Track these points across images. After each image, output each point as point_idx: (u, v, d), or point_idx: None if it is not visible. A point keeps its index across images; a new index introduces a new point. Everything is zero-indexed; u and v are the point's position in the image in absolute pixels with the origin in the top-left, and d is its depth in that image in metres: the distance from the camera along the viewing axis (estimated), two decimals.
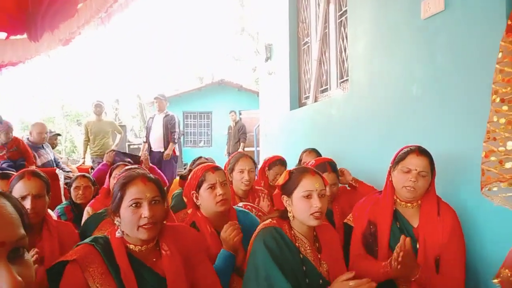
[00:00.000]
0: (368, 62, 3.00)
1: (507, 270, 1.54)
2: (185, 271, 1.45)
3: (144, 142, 6.31)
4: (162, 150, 5.84)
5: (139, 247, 1.41)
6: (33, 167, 4.05)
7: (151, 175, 1.48)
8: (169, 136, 5.86)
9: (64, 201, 3.39)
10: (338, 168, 2.58)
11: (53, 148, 5.27)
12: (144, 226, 1.36)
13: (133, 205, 1.37)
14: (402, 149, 1.86)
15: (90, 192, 3.06)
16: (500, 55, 1.59)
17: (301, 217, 1.57)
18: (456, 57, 2.04)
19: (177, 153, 6.15)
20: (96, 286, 1.31)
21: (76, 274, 1.32)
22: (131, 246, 1.41)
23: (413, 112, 2.42)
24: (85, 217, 2.60)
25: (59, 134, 5.57)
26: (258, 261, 1.50)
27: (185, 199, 1.96)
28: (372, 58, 2.94)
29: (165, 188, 1.53)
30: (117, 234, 1.42)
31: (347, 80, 3.56)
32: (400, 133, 2.55)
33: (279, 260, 1.49)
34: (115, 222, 1.43)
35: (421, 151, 1.79)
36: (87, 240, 1.45)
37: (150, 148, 6.01)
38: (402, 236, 1.56)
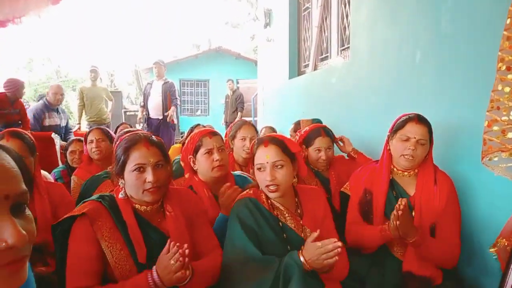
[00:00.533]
0: (371, 28, 2.92)
1: (504, 240, 1.56)
2: (188, 231, 1.48)
3: (141, 106, 6.15)
4: (161, 117, 5.74)
5: (144, 207, 1.44)
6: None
7: (153, 137, 1.47)
8: (169, 101, 5.74)
9: (60, 165, 3.37)
10: (339, 136, 2.57)
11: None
12: (148, 190, 1.38)
13: (137, 169, 1.37)
14: (400, 117, 1.84)
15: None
16: (508, 21, 1.53)
17: (262, 188, 1.57)
18: (462, 23, 1.98)
19: (175, 121, 6.04)
20: (104, 239, 1.35)
21: (85, 228, 1.34)
22: (137, 206, 1.44)
23: (415, 80, 2.37)
24: (72, 185, 2.58)
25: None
26: (232, 233, 1.51)
27: (182, 164, 1.94)
28: (375, 24, 2.85)
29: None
30: (120, 196, 1.43)
31: (348, 47, 3.48)
32: (400, 102, 2.51)
33: (253, 231, 1.49)
34: (119, 183, 1.44)
35: (420, 119, 1.77)
36: (94, 197, 1.46)
37: (148, 115, 5.89)
38: (400, 199, 1.56)
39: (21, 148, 1.84)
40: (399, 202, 1.53)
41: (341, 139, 2.58)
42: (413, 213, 1.75)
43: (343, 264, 1.53)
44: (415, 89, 2.37)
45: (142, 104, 6.08)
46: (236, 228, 1.49)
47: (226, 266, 1.49)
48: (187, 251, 1.26)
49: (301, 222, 1.59)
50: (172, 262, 1.23)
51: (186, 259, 1.26)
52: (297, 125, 3.10)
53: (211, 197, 1.84)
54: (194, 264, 1.39)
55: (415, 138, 1.73)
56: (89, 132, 2.79)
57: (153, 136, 1.48)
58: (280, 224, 1.55)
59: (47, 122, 4.55)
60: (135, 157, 1.37)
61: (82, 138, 3.18)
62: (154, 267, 1.29)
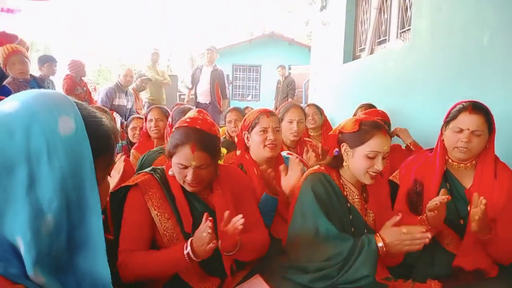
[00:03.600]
0: (434, 8, 2.75)
1: None
2: (233, 207, 1.52)
3: (189, 89, 6.29)
4: (208, 101, 5.90)
5: None
6: None
7: (204, 141, 1.42)
8: (219, 91, 5.87)
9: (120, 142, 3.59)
10: (395, 128, 2.48)
11: (140, 90, 5.71)
12: (189, 184, 1.43)
13: (180, 166, 1.41)
14: (455, 106, 1.70)
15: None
16: None
17: (357, 172, 1.52)
18: None
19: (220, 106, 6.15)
20: (154, 208, 1.44)
21: (138, 197, 1.45)
22: None
23: (481, 65, 2.21)
24: (132, 159, 2.72)
25: (150, 80, 5.79)
26: (305, 206, 1.51)
27: (236, 139, 2.00)
28: (439, 3, 2.68)
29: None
30: (170, 173, 1.51)
31: (408, 29, 3.31)
32: (464, 89, 2.36)
33: (326, 206, 1.49)
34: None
35: (475, 108, 1.61)
36: (147, 169, 1.56)
37: (196, 98, 6.05)
38: (443, 190, 1.49)
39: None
40: (441, 194, 1.46)
41: (398, 132, 2.49)
42: (469, 208, 1.64)
43: None
44: (482, 74, 2.21)
45: (190, 86, 6.18)
46: (309, 200, 1.49)
47: (293, 237, 1.51)
48: (241, 221, 1.29)
49: (365, 206, 1.58)
50: (204, 234, 1.26)
51: (241, 226, 1.29)
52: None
53: (261, 176, 1.86)
54: (241, 236, 1.42)
55: (468, 129, 1.60)
56: (149, 111, 2.92)
57: (204, 139, 1.43)
58: (348, 205, 1.55)
59: (116, 102, 4.91)
60: (179, 157, 1.41)
61: (142, 116, 3.37)
62: (190, 239, 1.33)
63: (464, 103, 1.66)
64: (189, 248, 1.31)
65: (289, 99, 8.64)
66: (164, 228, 1.43)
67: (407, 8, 3.43)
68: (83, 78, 5.11)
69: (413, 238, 1.31)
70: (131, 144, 3.21)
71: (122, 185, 1.50)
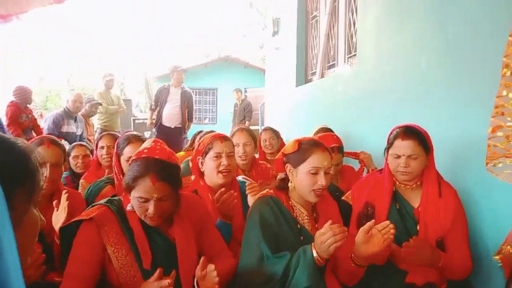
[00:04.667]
0: (377, 35, 2.93)
1: (508, 247, 1.54)
2: (194, 238, 1.49)
3: (151, 109, 5.73)
4: (174, 125, 5.52)
5: None
6: None
7: (165, 171, 1.38)
8: (187, 113, 5.56)
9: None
10: (363, 153, 2.59)
11: (90, 116, 5.44)
12: (149, 218, 1.37)
13: (140, 201, 1.36)
14: (392, 132, 1.81)
15: (89, 160, 2.99)
16: None
17: (302, 191, 1.56)
18: (467, 29, 1.98)
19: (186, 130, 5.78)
20: (110, 244, 1.36)
21: (91, 232, 1.36)
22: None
23: (421, 87, 2.37)
24: (80, 190, 2.56)
25: (100, 104, 5.53)
26: (251, 232, 1.52)
27: (190, 164, 1.97)
28: (382, 32, 2.87)
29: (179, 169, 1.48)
30: (128, 208, 1.43)
31: (355, 55, 3.49)
32: (406, 110, 2.52)
33: (273, 231, 1.50)
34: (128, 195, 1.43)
35: (406, 134, 1.71)
36: (103, 201, 1.48)
37: (161, 121, 5.55)
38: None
39: (59, 155, 1.88)
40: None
41: (362, 157, 2.57)
42: (418, 227, 1.73)
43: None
44: (422, 96, 2.37)
45: (153, 107, 5.69)
46: (254, 226, 1.51)
47: (242, 264, 1.50)
48: (215, 272, 1.27)
49: (316, 226, 1.61)
50: None
51: (217, 279, 1.26)
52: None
53: (216, 201, 1.84)
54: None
55: (404, 155, 1.70)
56: (100, 138, 2.80)
57: (164, 170, 1.38)
58: (298, 226, 1.57)
59: (64, 129, 4.68)
60: (139, 190, 1.35)
61: (84, 143, 3.19)
62: None
63: (398, 129, 1.76)
64: None
65: (247, 122, 8.74)
66: (121, 265, 1.35)
67: (352, 35, 3.63)
68: (28, 105, 4.87)
69: (332, 234, 1.32)
70: (74, 174, 2.97)
71: (74, 219, 1.40)
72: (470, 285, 1.79)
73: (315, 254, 1.38)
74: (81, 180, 2.69)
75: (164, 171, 1.37)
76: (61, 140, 3.92)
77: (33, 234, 0.68)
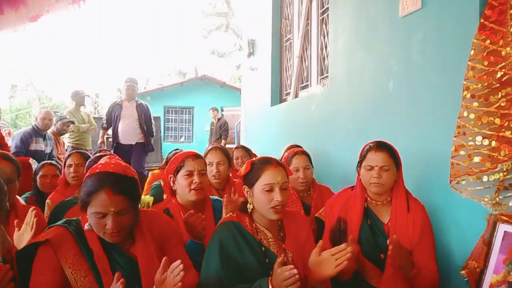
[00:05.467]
0: (347, 58, 3.04)
1: (474, 262, 1.60)
2: (158, 256, 1.44)
3: (103, 129, 5.26)
4: (133, 142, 5.06)
5: None
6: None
7: (121, 184, 1.35)
8: (146, 128, 5.10)
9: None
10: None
11: (61, 134, 5.29)
12: (109, 234, 1.34)
13: (96, 216, 1.32)
14: (364, 147, 1.90)
15: (58, 180, 2.90)
16: (472, 52, 1.64)
17: (261, 210, 1.55)
18: (431, 54, 2.09)
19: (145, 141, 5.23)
20: (68, 266, 1.30)
21: (49, 255, 1.31)
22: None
23: (388, 107, 2.46)
24: (46, 210, 2.49)
25: (72, 122, 5.34)
26: (210, 258, 1.50)
27: (162, 183, 1.95)
28: (351, 54, 2.98)
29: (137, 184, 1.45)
30: (86, 227, 1.39)
31: (327, 76, 3.60)
32: (375, 128, 2.59)
33: (234, 257, 1.48)
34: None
35: (379, 147, 1.82)
36: (60, 222, 1.42)
37: (118, 140, 5.08)
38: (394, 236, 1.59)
39: (12, 171, 1.82)
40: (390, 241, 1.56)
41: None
42: (388, 241, 1.77)
43: None
44: (389, 115, 2.45)
45: (105, 125, 5.22)
46: (214, 254, 1.48)
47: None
48: (181, 266, 1.24)
49: (283, 246, 1.58)
50: None
51: (182, 273, 1.22)
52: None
53: (186, 220, 1.82)
54: None
55: (377, 165, 1.78)
56: (68, 156, 2.74)
57: (121, 181, 1.37)
58: (263, 248, 1.55)
59: (33, 147, 4.52)
60: (95, 205, 1.31)
61: (54, 162, 3.09)
62: None
63: (370, 144, 1.85)
64: None
65: (223, 141, 8.73)
66: (80, 287, 1.29)
67: (324, 57, 3.75)
68: None
69: (285, 277, 1.30)
70: (40, 194, 2.86)
71: (30, 242, 1.36)
72: None
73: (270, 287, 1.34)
74: (48, 200, 2.60)
75: (120, 184, 1.34)
76: (28, 159, 3.81)
77: None
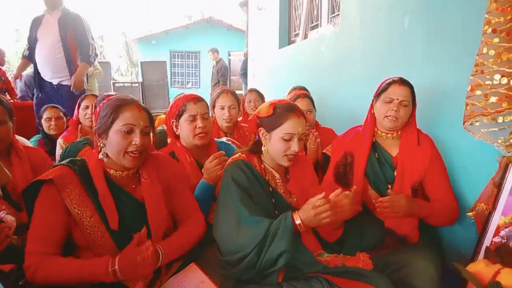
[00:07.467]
0: None
1: (482, 204, 1.58)
2: (164, 199, 1.46)
3: (24, 57, 3.60)
4: (55, 82, 3.41)
5: (120, 172, 1.40)
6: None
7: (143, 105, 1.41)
8: (79, 50, 3.38)
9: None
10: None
11: None
12: (131, 153, 1.34)
13: (125, 130, 1.32)
14: (384, 81, 1.85)
15: (62, 122, 2.98)
16: None
17: (275, 155, 1.54)
18: None
19: (85, 86, 3.53)
20: (73, 206, 1.31)
21: (52, 194, 1.30)
22: (112, 171, 1.39)
23: (404, 45, 2.34)
24: (58, 150, 2.55)
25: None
26: (226, 195, 1.49)
27: (165, 127, 1.92)
28: None
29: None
30: (100, 156, 1.38)
31: (338, 15, 3.40)
32: (389, 68, 2.48)
33: (248, 192, 1.47)
34: (98, 143, 1.38)
35: (403, 81, 1.80)
36: (64, 161, 1.41)
37: (38, 73, 3.46)
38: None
39: (2, 113, 1.80)
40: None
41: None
42: (395, 173, 1.79)
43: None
44: (404, 55, 2.34)
45: (25, 52, 3.57)
46: (230, 189, 1.48)
47: (218, 226, 1.48)
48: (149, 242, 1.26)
49: (287, 187, 1.59)
50: (138, 259, 1.20)
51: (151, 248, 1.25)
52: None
53: (193, 163, 1.82)
54: (167, 243, 1.38)
55: (398, 99, 1.76)
56: (84, 98, 2.75)
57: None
58: (270, 189, 1.55)
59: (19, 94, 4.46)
60: (126, 117, 1.33)
61: (55, 105, 3.09)
62: (117, 257, 1.24)
63: (393, 78, 1.82)
64: (116, 267, 1.21)
65: (220, 85, 8.45)
66: (88, 226, 1.30)
67: None
68: (1, 67, 4.66)
69: (326, 209, 1.32)
70: (47, 136, 2.93)
71: (34, 179, 1.34)
72: (440, 240, 1.86)
73: (298, 221, 1.36)
74: (60, 139, 2.66)
75: (143, 105, 1.42)
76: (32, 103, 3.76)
77: None
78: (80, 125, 2.72)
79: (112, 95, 2.05)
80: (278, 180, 1.59)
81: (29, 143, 2.66)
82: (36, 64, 3.43)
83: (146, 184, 1.42)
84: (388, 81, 1.83)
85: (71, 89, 3.35)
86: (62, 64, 3.36)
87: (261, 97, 3.24)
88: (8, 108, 1.82)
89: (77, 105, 2.76)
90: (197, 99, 1.84)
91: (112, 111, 1.33)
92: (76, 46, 3.36)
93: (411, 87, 1.80)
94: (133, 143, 1.33)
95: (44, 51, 3.34)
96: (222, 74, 8.60)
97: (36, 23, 3.41)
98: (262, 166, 1.59)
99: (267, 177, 1.57)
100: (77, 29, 3.36)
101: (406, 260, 1.56)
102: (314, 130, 2.41)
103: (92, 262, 1.26)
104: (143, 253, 1.22)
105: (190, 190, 1.66)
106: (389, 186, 1.78)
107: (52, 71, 3.38)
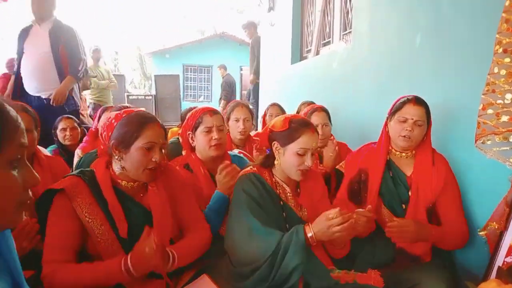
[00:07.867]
0: (372, 12, 2.89)
1: (494, 223, 1.58)
2: (170, 206, 1.50)
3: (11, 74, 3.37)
4: (45, 95, 3.18)
5: (132, 183, 1.44)
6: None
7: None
8: (68, 61, 3.16)
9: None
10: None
11: (83, 89, 5.23)
12: (150, 169, 1.39)
13: (147, 147, 1.37)
14: (399, 99, 1.85)
15: (77, 133, 3.04)
16: (507, 3, 1.52)
17: (288, 169, 1.56)
18: (461, 6, 1.95)
19: (77, 103, 3.37)
20: (84, 215, 1.35)
21: (64, 203, 1.35)
22: (123, 183, 1.44)
23: (414, 63, 2.36)
24: (76, 160, 2.61)
25: (93, 76, 5.32)
26: (237, 207, 1.51)
27: (180, 139, 1.97)
28: (376, 8, 2.83)
29: None
30: (116, 169, 1.42)
31: (350, 32, 3.45)
32: (399, 86, 2.50)
33: (259, 205, 1.49)
34: (114, 155, 1.41)
35: (418, 101, 1.78)
36: (74, 172, 1.46)
37: (20, 85, 3.19)
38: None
39: (29, 122, 1.86)
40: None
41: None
42: (410, 193, 1.77)
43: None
44: (415, 72, 2.36)
45: (15, 61, 3.38)
46: (241, 201, 1.49)
47: (229, 237, 1.51)
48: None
49: (298, 201, 1.61)
50: (147, 250, 1.23)
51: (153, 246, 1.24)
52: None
53: (207, 175, 1.85)
54: (174, 247, 1.41)
55: (412, 119, 1.74)
56: (104, 110, 2.76)
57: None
58: (281, 202, 1.57)
59: None
60: (149, 135, 1.37)
61: (70, 115, 3.13)
62: (129, 254, 1.27)
63: (408, 97, 1.81)
64: (129, 264, 1.25)
65: (222, 101, 8.30)
66: (98, 235, 1.35)
67: (348, 11, 3.57)
68: None
69: (339, 222, 1.33)
70: (62, 147, 3.01)
71: (46, 189, 1.39)
72: (452, 260, 1.84)
73: (310, 234, 1.37)
74: (77, 150, 2.73)
75: (160, 122, 1.47)
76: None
77: (5, 193, 0.68)
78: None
79: (127, 107, 2.11)
80: (288, 194, 1.61)
81: (48, 152, 2.74)
82: (19, 79, 3.17)
83: (153, 192, 1.47)
84: (402, 100, 1.82)
85: (51, 102, 3.14)
86: (53, 77, 3.15)
87: (282, 111, 3.24)
88: (34, 117, 1.89)
89: (97, 116, 2.82)
90: (213, 112, 1.90)
91: (136, 128, 1.38)
92: (67, 59, 3.18)
93: (426, 106, 1.78)
94: (153, 159, 1.38)
95: (31, 63, 3.13)
96: (223, 89, 8.67)
97: (24, 33, 3.22)
98: (274, 179, 1.61)
99: (278, 191, 1.59)
100: (70, 42, 3.21)
101: (418, 279, 1.56)
102: (333, 137, 2.43)
103: (105, 263, 1.30)
104: (150, 244, 1.24)
105: (204, 202, 1.68)
106: (403, 206, 1.77)
107: (41, 84, 3.15)
